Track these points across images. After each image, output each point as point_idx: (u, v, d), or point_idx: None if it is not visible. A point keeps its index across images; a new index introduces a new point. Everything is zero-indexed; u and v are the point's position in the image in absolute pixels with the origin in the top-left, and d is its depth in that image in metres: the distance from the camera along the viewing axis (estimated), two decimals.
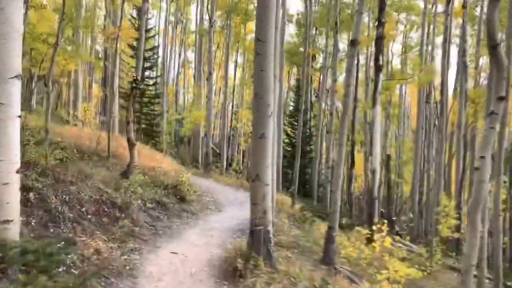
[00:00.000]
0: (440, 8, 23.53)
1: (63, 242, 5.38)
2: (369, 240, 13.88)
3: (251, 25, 36.56)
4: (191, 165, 23.50)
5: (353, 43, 9.28)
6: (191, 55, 48.70)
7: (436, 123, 22.97)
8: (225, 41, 29.22)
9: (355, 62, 9.84)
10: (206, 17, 24.83)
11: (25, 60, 9.56)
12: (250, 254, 6.24)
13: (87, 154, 11.47)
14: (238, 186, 19.20)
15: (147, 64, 29.10)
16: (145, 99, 28.76)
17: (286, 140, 27.79)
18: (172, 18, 39.83)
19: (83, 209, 7.43)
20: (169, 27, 37.41)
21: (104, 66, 13.13)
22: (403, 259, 11.58)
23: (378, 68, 13.33)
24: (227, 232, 9.75)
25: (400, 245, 16.23)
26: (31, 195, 6.40)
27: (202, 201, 13.70)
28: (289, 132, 25.34)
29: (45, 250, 4.21)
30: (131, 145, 10.23)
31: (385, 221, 9.82)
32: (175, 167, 14.22)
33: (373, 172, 13.59)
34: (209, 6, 21.86)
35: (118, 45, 11.37)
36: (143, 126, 28.73)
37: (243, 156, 36.44)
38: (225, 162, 28.60)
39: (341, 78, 22.74)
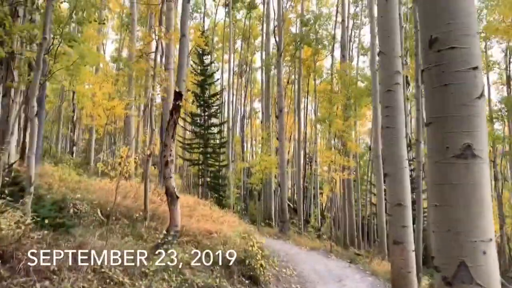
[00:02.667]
0: None
1: None
2: None
3: (322, 64, 33.56)
4: (263, 223, 19.37)
5: None
6: (257, 105, 46.78)
7: None
8: (295, 76, 25.87)
9: None
10: (273, 51, 21.79)
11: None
12: None
13: (116, 215, 7.92)
14: (326, 250, 14.57)
15: (211, 111, 26.51)
16: (209, 149, 25.86)
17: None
18: (236, 69, 38.32)
19: None
20: (233, 78, 35.59)
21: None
22: None
23: None
24: None
25: None
26: None
27: (283, 279, 9.40)
28: None
29: None
30: (171, 199, 6.51)
31: None
32: (243, 229, 10.20)
33: None
34: (277, 35, 18.67)
35: (157, 56, 8.13)
36: (208, 179, 25.58)
37: (322, 210, 31.67)
38: (302, 218, 24.17)
39: None
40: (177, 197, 6.59)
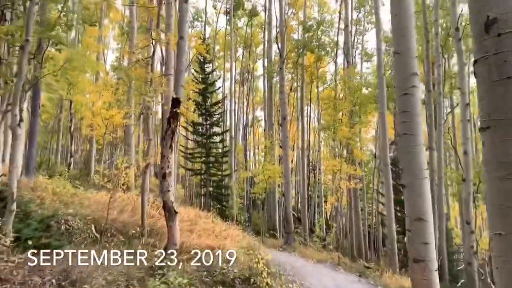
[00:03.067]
0: None
1: None
2: None
3: (325, 70, 33.14)
4: (267, 234, 18.78)
5: None
6: (260, 114, 46.46)
7: None
8: (297, 83, 25.41)
9: None
10: (275, 58, 21.34)
11: None
12: None
13: (111, 231, 7.41)
14: (333, 263, 13.94)
15: (213, 120, 26.08)
16: (211, 158, 25.37)
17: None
18: (238, 78, 38.09)
19: None
20: (235, 86, 35.30)
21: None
22: None
23: None
24: None
25: None
26: None
27: None
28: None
29: None
30: (169, 215, 5.99)
31: None
32: (247, 243, 9.63)
33: None
34: (279, 41, 18.26)
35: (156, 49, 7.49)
36: (210, 189, 25.05)
37: (327, 219, 31.05)
38: (307, 228, 23.57)
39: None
40: (176, 213, 6.07)
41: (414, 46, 5.77)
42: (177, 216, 6.08)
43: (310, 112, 36.97)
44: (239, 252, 8.08)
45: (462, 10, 12.10)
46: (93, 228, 7.32)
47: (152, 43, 7.25)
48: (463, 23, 13.08)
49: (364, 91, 20.71)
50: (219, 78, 31.56)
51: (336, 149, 22.60)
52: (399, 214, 15.05)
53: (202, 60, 25.60)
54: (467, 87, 12.99)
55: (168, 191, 6.06)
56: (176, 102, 6.10)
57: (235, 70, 37.23)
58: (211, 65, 28.13)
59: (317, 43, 21.62)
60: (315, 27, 20.92)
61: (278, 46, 18.60)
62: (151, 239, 7.54)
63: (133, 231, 7.57)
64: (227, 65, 36.11)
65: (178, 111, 6.08)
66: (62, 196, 8.86)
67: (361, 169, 21.32)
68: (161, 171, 6.13)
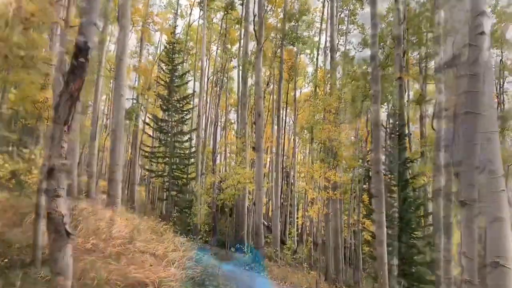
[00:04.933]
0: None
1: None
2: None
3: (304, 66, 31.13)
4: (233, 247, 16.32)
5: None
6: (233, 116, 44.05)
7: None
8: (274, 79, 23.16)
9: None
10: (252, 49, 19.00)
11: None
12: None
13: None
14: None
15: (180, 116, 23.36)
16: (176, 159, 22.66)
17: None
18: (211, 77, 35.73)
19: None
20: (208, 84, 32.85)
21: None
22: None
23: None
24: None
25: None
26: None
27: None
28: None
29: None
30: (55, 237, 3.46)
31: None
32: (200, 270, 7.10)
33: None
34: (257, 26, 15.96)
35: None
36: (173, 193, 22.27)
37: (301, 230, 28.86)
38: (278, 240, 21.27)
39: None
40: (69, 234, 3.54)
41: None
42: (69, 242, 3.55)
43: (285, 116, 34.97)
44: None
45: None
46: None
47: None
48: None
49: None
50: (188, 72, 28.79)
51: (315, 153, 20.48)
52: (389, 232, 12.91)
53: (170, 48, 22.92)
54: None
55: (58, 196, 3.53)
56: (81, 49, 3.61)
57: (208, 66, 34.82)
58: (181, 56, 25.44)
59: (298, 36, 19.42)
60: (297, 16, 18.74)
61: (255, 33, 16.22)
62: (47, 268, 4.92)
63: (21, 257, 4.95)
64: (200, 64, 33.69)
65: (85, 62, 3.59)
66: None
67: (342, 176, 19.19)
68: (47, 164, 3.61)
